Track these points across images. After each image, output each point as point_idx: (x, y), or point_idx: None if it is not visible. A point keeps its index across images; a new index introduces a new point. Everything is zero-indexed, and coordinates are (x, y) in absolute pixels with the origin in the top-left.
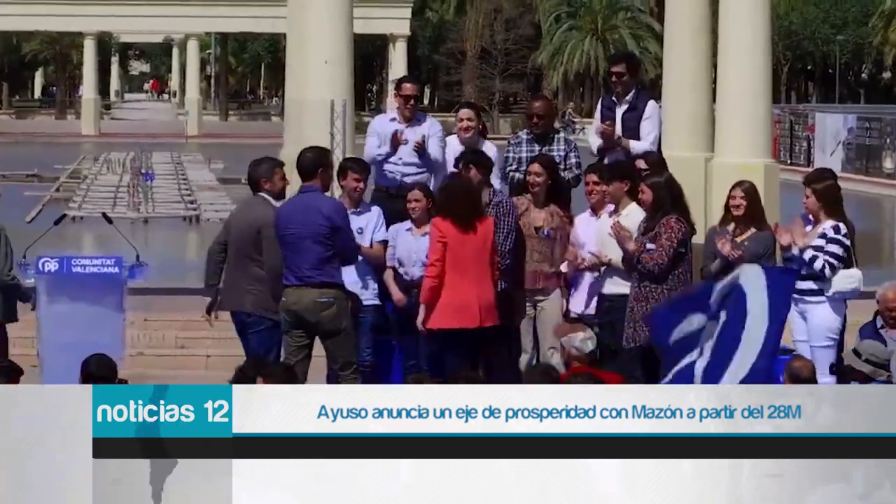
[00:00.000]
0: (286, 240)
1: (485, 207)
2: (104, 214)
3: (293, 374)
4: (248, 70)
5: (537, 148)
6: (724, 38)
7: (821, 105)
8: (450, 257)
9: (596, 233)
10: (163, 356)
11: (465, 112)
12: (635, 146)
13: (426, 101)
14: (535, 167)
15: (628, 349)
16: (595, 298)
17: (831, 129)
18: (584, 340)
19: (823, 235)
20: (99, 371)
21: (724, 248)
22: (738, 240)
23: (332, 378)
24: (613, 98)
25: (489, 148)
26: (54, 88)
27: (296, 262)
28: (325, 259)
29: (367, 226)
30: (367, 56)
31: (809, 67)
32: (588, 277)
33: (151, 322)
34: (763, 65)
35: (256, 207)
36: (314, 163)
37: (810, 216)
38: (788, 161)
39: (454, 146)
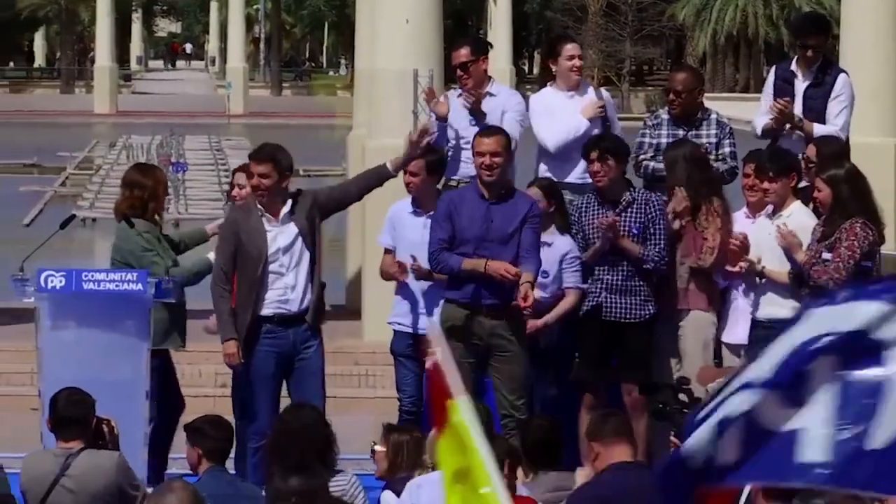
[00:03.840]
0: None
1: (626, 206)
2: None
3: None
4: (307, 31)
5: (681, 133)
6: None
7: None
8: None
9: (752, 240)
10: (199, 397)
11: (572, 47)
12: (820, 130)
13: (534, 72)
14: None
15: None
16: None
17: None
18: None
19: None
20: (67, 411)
21: None
22: None
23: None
24: (793, 69)
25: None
26: (59, 54)
27: None
28: None
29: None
30: (460, 13)
31: None
32: (741, 299)
33: (184, 354)
34: None
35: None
36: None
37: None
38: None
39: (547, 100)
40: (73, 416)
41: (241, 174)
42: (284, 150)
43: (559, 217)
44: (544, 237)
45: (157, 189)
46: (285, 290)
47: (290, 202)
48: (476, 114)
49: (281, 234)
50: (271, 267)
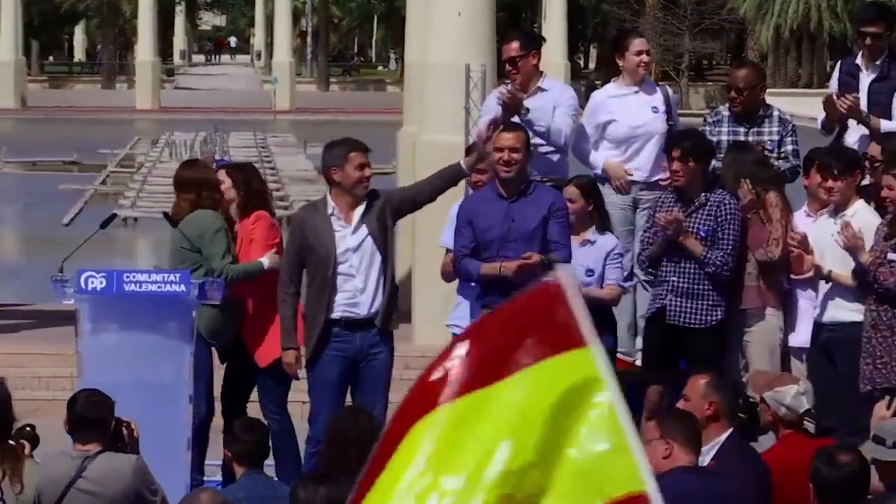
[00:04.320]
0: None
1: (699, 207)
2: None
3: None
4: (356, 24)
5: (742, 130)
6: None
7: None
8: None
9: (812, 240)
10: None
11: (640, 42)
12: (887, 126)
13: (590, 66)
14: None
15: (865, 394)
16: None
17: None
18: (797, 397)
19: None
20: (85, 412)
21: None
22: None
23: None
24: (858, 62)
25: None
26: (99, 48)
27: None
28: None
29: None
30: (514, 6)
31: None
32: (803, 301)
33: None
34: None
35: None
36: None
37: None
38: None
39: (609, 99)
40: (91, 417)
41: (222, 172)
42: None
43: (598, 217)
44: (586, 235)
45: (215, 179)
46: (354, 293)
47: (364, 203)
48: (508, 110)
49: (350, 235)
50: (340, 268)
